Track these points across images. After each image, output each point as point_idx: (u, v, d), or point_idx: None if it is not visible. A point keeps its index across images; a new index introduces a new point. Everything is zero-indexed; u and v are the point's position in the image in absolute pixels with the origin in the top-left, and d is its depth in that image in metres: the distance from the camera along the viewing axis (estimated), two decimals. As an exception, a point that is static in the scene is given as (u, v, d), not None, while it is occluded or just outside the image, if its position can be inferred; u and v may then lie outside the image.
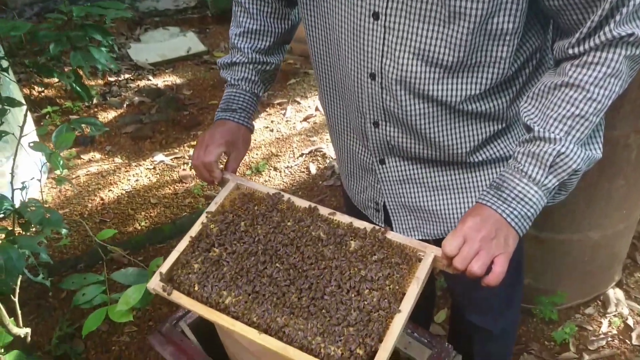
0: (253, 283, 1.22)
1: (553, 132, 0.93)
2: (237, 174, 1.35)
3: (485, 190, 1.01)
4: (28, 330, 2.00)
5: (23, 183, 2.59)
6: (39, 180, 2.50)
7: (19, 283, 1.94)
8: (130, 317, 1.64)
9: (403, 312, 1.12)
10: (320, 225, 1.29)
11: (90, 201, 2.95)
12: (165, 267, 1.30)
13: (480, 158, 1.18)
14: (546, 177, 0.95)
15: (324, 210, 1.33)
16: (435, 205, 1.24)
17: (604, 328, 2.10)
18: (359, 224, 1.29)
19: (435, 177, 1.21)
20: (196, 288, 1.24)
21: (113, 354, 2.17)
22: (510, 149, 1.20)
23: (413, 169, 1.21)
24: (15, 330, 1.88)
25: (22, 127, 1.91)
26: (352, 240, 1.27)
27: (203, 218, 1.37)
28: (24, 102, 2.02)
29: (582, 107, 0.92)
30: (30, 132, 3.02)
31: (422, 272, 1.17)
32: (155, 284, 1.27)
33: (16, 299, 1.94)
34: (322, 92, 1.24)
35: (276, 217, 1.34)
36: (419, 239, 1.40)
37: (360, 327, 1.11)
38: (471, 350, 1.57)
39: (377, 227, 1.26)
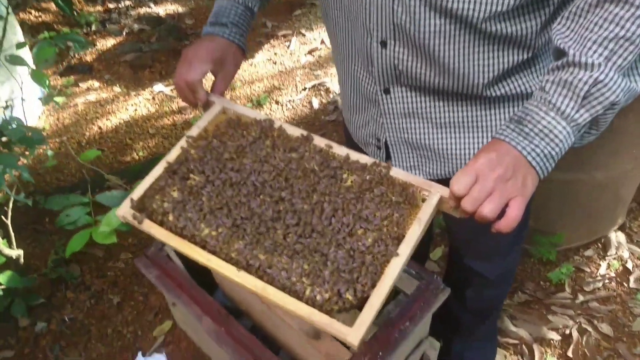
0: (234, 216, 1.08)
1: (591, 57, 0.80)
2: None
3: (504, 124, 0.89)
4: (20, 252, 1.95)
5: (7, 102, 2.46)
6: (23, 100, 2.36)
7: (11, 205, 1.89)
8: (113, 239, 1.54)
9: (401, 256, 0.98)
10: (314, 157, 1.14)
11: (88, 130, 2.90)
12: (137, 193, 1.16)
13: (498, 92, 1.03)
14: (577, 111, 0.82)
15: (319, 141, 1.18)
16: (443, 144, 1.14)
17: (602, 270, 2.05)
18: (357, 157, 1.14)
19: (444, 112, 1.09)
20: (170, 218, 1.10)
21: (108, 279, 2.16)
22: (535, 85, 1.04)
23: (420, 101, 1.09)
24: (7, 251, 1.82)
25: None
26: (348, 174, 1.12)
27: (183, 142, 1.22)
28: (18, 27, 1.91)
29: (628, 26, 0.77)
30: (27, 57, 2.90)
31: (425, 213, 1.03)
32: (125, 211, 1.13)
33: (8, 221, 1.89)
34: (326, 8, 1.06)
35: (265, 145, 1.18)
36: (422, 179, 1.26)
37: (352, 270, 0.98)
38: (465, 294, 1.49)
39: (377, 162, 1.11)
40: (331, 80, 3.15)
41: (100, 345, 1.91)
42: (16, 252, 1.77)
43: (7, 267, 1.74)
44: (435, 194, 1.05)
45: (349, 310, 0.97)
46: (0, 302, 1.76)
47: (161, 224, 1.11)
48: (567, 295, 1.98)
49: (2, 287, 1.69)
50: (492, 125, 1.12)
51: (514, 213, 0.88)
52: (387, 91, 1.10)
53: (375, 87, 1.11)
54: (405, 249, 1.00)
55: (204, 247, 1.06)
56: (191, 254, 1.05)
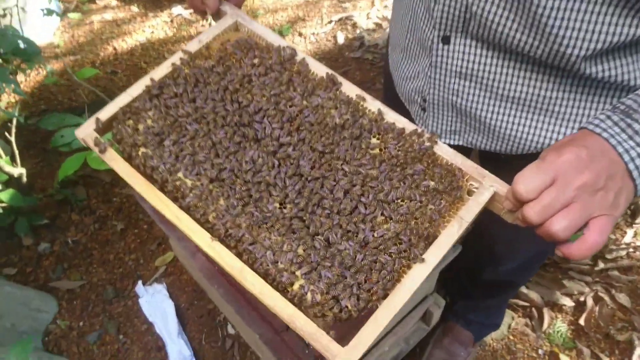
0: (221, 166, 0.83)
1: None
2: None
3: (602, 114, 0.69)
4: (22, 170, 1.84)
5: (4, 10, 2.20)
6: (22, 9, 2.17)
7: (14, 122, 1.79)
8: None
9: (427, 264, 0.73)
10: (339, 108, 0.87)
11: (102, 50, 2.77)
12: (106, 112, 0.90)
13: (600, 73, 0.82)
14: None
15: (349, 88, 0.90)
16: (501, 120, 0.93)
17: (628, 238, 1.89)
18: (394, 118, 0.86)
19: (515, 82, 0.87)
20: (140, 152, 0.85)
21: (114, 205, 2.10)
22: None
23: (486, 62, 0.87)
24: (8, 169, 1.74)
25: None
26: (379, 139, 0.85)
27: (176, 58, 0.94)
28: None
29: None
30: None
31: (469, 211, 0.77)
32: (86, 132, 0.88)
33: (12, 138, 1.80)
34: None
35: (279, 81, 0.91)
36: (455, 144, 1.00)
37: (359, 270, 0.73)
38: (479, 273, 1.40)
39: (420, 130, 0.84)
40: (359, 14, 2.92)
41: (102, 270, 1.87)
42: (18, 170, 1.72)
43: (10, 185, 1.72)
44: (487, 188, 0.78)
45: (347, 321, 0.73)
46: (2, 219, 1.75)
47: (129, 158, 0.87)
48: (586, 261, 1.85)
49: (4, 205, 1.66)
50: (576, 115, 0.89)
51: (594, 238, 0.63)
52: (446, 40, 0.88)
53: (433, 33, 0.89)
54: (435, 255, 0.75)
55: (175, 200, 0.82)
56: (157, 205, 0.81)
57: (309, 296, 0.72)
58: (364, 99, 0.88)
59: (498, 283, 1.42)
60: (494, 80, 0.87)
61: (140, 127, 0.87)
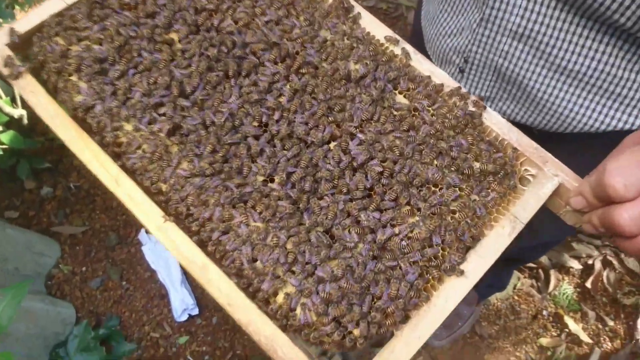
0: (187, 114, 0.58)
1: None
2: None
3: None
4: (23, 112, 1.67)
5: None
6: None
7: None
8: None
9: (467, 278, 0.52)
10: (356, 47, 0.63)
11: None
12: (27, 22, 0.63)
13: None
14: None
15: (370, 21, 0.66)
16: (552, 95, 0.77)
17: None
18: (430, 69, 0.63)
19: (584, 54, 0.70)
20: (70, 84, 0.59)
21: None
22: None
23: (552, 23, 0.69)
24: (9, 110, 1.59)
25: None
26: (407, 97, 0.62)
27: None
28: None
29: None
30: None
31: (525, 208, 0.56)
32: (-7, 47, 0.61)
33: None
34: None
35: (276, 2, 0.65)
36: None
37: (373, 282, 0.51)
38: None
39: (464, 91, 0.61)
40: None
41: (104, 217, 1.82)
42: (19, 112, 1.62)
43: (10, 127, 1.65)
44: (550, 177, 0.57)
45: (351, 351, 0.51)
46: (3, 161, 1.71)
47: (54, 90, 0.61)
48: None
49: (5, 146, 1.61)
50: None
51: None
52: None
53: None
54: (478, 265, 0.53)
55: (116, 158, 0.57)
56: (89, 162, 0.56)
57: (299, 313, 0.50)
58: (395, 41, 0.64)
59: (512, 257, 1.34)
60: (554, 46, 0.71)
61: (74, 47, 0.61)
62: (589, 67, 0.71)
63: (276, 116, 0.59)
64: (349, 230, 0.54)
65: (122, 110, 0.58)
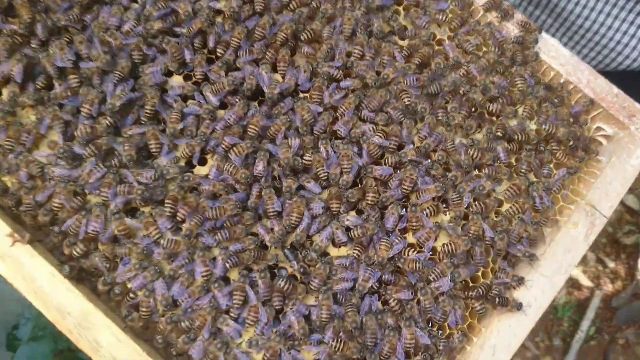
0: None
1: None
2: None
3: None
4: None
5: None
6: None
7: None
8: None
9: (529, 320, 0.33)
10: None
11: None
12: None
13: None
14: None
15: None
16: (603, 25, 0.63)
17: None
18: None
19: None
20: None
21: None
22: None
23: None
24: None
25: None
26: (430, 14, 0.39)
27: None
28: None
29: None
30: None
31: (608, 191, 0.36)
32: None
33: None
34: None
35: None
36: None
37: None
38: None
39: (508, 4, 0.38)
40: None
41: None
42: None
43: None
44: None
45: None
46: None
47: None
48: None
49: None
50: None
51: None
52: None
53: None
54: (547, 289, 0.34)
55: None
56: None
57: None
58: None
59: None
60: None
61: None
62: None
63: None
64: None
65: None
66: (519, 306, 0.34)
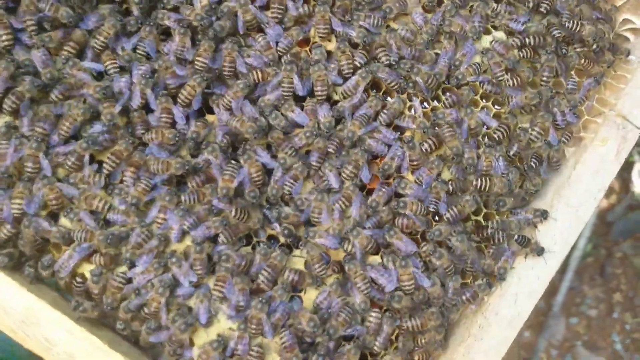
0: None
1: None
2: None
3: None
4: None
5: None
6: None
7: None
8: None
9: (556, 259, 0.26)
10: None
11: None
12: None
13: None
14: None
15: None
16: None
17: None
18: None
19: None
20: None
21: None
22: None
23: None
24: None
25: None
26: None
27: None
28: None
29: None
30: None
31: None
32: None
33: None
34: None
35: None
36: None
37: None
38: None
39: None
40: None
41: None
42: None
43: None
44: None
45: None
46: None
47: None
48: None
49: None
50: None
51: None
52: None
53: None
54: (574, 223, 0.27)
55: None
56: None
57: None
58: None
59: None
60: None
61: None
62: None
63: None
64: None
65: None
66: (539, 251, 0.28)
